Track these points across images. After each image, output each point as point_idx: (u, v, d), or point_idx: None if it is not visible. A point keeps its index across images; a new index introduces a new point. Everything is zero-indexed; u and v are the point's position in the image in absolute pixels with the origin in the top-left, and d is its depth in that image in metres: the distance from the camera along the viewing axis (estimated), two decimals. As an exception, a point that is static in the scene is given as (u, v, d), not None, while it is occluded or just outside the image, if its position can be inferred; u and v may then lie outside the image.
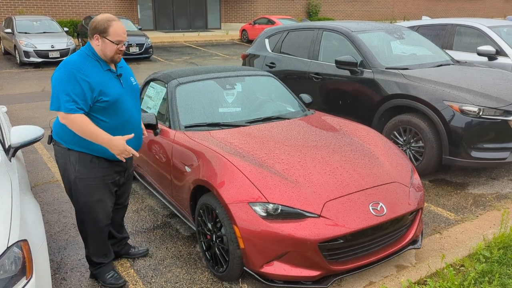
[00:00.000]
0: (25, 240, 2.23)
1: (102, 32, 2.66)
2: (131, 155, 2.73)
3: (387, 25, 6.39)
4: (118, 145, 2.61)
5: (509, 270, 3.08)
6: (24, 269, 2.16)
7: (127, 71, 2.95)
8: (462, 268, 3.17)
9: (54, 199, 4.51)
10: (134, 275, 3.27)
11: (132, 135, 2.70)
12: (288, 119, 4.08)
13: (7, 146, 3.05)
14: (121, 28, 2.70)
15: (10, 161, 2.91)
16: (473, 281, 2.85)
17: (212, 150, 3.29)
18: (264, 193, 2.89)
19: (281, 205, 2.85)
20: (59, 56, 13.63)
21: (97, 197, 2.88)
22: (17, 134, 3.01)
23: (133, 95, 2.90)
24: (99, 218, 2.94)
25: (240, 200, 2.89)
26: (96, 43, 2.70)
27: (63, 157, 2.81)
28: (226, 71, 4.46)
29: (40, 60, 13.41)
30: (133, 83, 2.93)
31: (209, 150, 3.30)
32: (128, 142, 2.77)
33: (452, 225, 3.99)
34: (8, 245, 2.12)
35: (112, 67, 2.81)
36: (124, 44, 2.73)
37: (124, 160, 2.75)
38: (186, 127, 3.79)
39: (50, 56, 13.51)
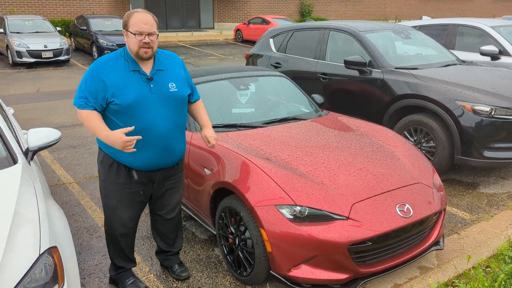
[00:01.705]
0: (55, 247, 2.16)
1: (125, 25, 2.53)
2: (165, 167, 2.75)
3: (393, 25, 6.39)
4: (116, 140, 2.40)
5: (536, 270, 3.07)
6: (56, 276, 2.08)
7: (168, 75, 2.66)
8: (488, 269, 3.16)
9: (63, 203, 4.42)
10: (155, 280, 3.20)
11: (133, 127, 2.43)
12: (304, 119, 4.03)
13: (24, 149, 2.96)
14: (142, 18, 2.48)
15: (30, 164, 2.83)
16: (503, 283, 2.84)
17: (234, 152, 3.23)
18: (291, 195, 2.84)
19: (308, 207, 2.80)
20: (52, 56, 13.45)
21: (113, 203, 2.78)
22: (35, 137, 2.92)
23: (167, 102, 2.61)
24: (114, 225, 2.85)
25: (266, 203, 2.84)
26: (126, 40, 2.56)
27: (98, 155, 2.81)
28: (238, 71, 4.40)
29: (33, 60, 13.22)
30: (171, 90, 2.62)
31: (230, 152, 3.25)
32: (150, 153, 2.62)
33: (468, 225, 3.98)
34: (40, 253, 2.05)
35: (145, 67, 2.58)
36: (148, 36, 2.47)
37: (131, 150, 2.43)
38: (202, 128, 3.72)
39: (43, 56, 13.33)
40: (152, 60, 2.63)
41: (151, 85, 2.58)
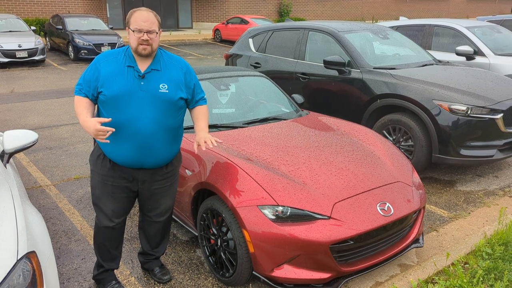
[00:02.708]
0: (33, 252, 2.11)
1: (127, 23, 2.60)
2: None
3: (371, 25, 6.46)
4: (90, 126, 2.43)
5: (512, 266, 3.15)
6: (35, 282, 2.03)
7: (163, 75, 2.64)
8: (466, 265, 3.22)
9: (40, 206, 4.32)
10: (136, 283, 3.15)
11: (109, 119, 2.45)
12: (285, 119, 4.04)
13: (0, 152, 2.88)
14: (142, 16, 2.54)
15: (6, 167, 2.75)
16: (481, 278, 2.90)
17: (215, 152, 3.22)
18: (273, 196, 2.84)
19: (290, 207, 2.81)
20: (27, 56, 13.15)
21: (97, 194, 2.80)
22: (11, 139, 2.85)
23: (154, 102, 2.59)
24: (99, 216, 2.86)
25: (248, 203, 2.83)
26: (128, 37, 2.61)
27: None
28: (218, 72, 4.38)
29: (6, 60, 12.90)
30: (160, 90, 2.60)
31: (211, 153, 3.23)
32: (128, 149, 2.61)
33: (446, 223, 4.05)
34: (18, 258, 1.99)
35: (141, 65, 2.60)
36: (147, 33, 2.51)
37: (103, 141, 2.44)
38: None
39: (17, 56, 13.02)
40: (151, 59, 2.64)
41: (142, 83, 2.59)
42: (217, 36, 21.09)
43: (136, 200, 2.98)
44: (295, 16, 27.14)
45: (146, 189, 2.82)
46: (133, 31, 2.53)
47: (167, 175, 2.86)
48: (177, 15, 24.83)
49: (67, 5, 21.10)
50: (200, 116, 2.88)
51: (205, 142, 2.74)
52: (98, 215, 2.86)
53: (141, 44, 2.53)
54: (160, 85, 2.62)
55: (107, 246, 2.92)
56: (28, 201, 2.64)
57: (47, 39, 16.98)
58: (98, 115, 2.71)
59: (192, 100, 2.83)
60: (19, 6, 20.06)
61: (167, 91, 2.63)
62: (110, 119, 2.47)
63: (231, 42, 19.60)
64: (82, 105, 2.59)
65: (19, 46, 13.09)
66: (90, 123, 2.44)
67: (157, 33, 2.57)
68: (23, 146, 2.88)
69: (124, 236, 3.77)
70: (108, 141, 2.48)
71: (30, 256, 2.08)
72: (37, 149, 5.98)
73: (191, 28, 25.13)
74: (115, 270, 3.22)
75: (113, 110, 2.58)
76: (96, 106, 2.71)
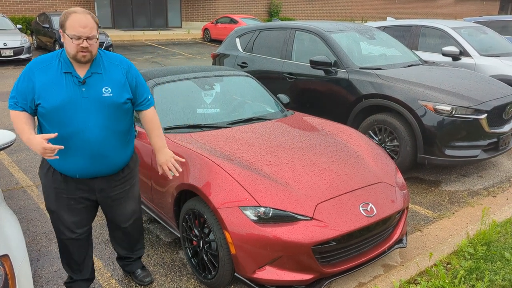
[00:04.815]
0: (6, 255, 2.06)
1: (62, 26, 2.33)
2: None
3: (358, 25, 6.46)
4: (36, 145, 2.23)
5: (494, 266, 3.15)
6: (7, 286, 1.98)
7: (104, 78, 2.45)
8: (449, 265, 3.22)
9: (21, 207, 4.24)
10: (117, 285, 3.11)
11: (55, 134, 2.26)
12: (269, 120, 4.02)
13: (-25, 152, 2.82)
14: (79, 20, 2.28)
15: (-19, 168, 2.69)
16: (463, 279, 2.90)
17: (197, 153, 3.18)
18: (255, 197, 2.81)
19: (272, 208, 2.78)
20: (12, 54, 12.96)
21: (53, 207, 2.64)
22: (-13, 139, 2.79)
23: (99, 108, 2.42)
24: (59, 229, 2.71)
25: (230, 205, 2.80)
26: (63, 40, 2.36)
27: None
28: (203, 71, 4.35)
29: (-9, 58, 12.73)
30: (104, 94, 2.42)
31: (193, 153, 3.19)
32: (79, 161, 2.47)
33: (431, 223, 4.06)
34: (-11, 262, 1.94)
35: (79, 70, 2.41)
36: (87, 40, 2.28)
37: (53, 157, 2.26)
38: (165, 129, 3.65)
39: (2, 55, 12.83)
40: (90, 62, 2.44)
41: (83, 89, 2.40)
42: (207, 36, 21.01)
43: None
44: (284, 16, 27.15)
45: (106, 196, 2.69)
46: (71, 38, 2.29)
47: (125, 178, 2.75)
48: (166, 14, 24.69)
49: (54, 4, 20.87)
50: (151, 128, 2.71)
51: (170, 169, 2.70)
52: (58, 228, 2.70)
53: (81, 51, 2.32)
54: (103, 89, 2.44)
55: (75, 257, 2.80)
56: (3, 203, 2.58)
57: (34, 37, 16.77)
58: (40, 129, 2.49)
59: (135, 101, 2.63)
60: (5, 4, 19.80)
61: (111, 94, 2.45)
62: (56, 134, 2.27)
63: (220, 42, 19.49)
64: (21, 121, 2.37)
65: (5, 44, 12.90)
66: (36, 141, 2.23)
67: (97, 38, 2.35)
68: (0, 146, 2.82)
69: (106, 238, 3.72)
70: (57, 157, 2.31)
71: (3, 259, 2.03)
72: (20, 149, 5.89)
73: (181, 27, 25.00)
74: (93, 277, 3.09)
75: (56, 123, 2.38)
76: (36, 119, 2.48)
